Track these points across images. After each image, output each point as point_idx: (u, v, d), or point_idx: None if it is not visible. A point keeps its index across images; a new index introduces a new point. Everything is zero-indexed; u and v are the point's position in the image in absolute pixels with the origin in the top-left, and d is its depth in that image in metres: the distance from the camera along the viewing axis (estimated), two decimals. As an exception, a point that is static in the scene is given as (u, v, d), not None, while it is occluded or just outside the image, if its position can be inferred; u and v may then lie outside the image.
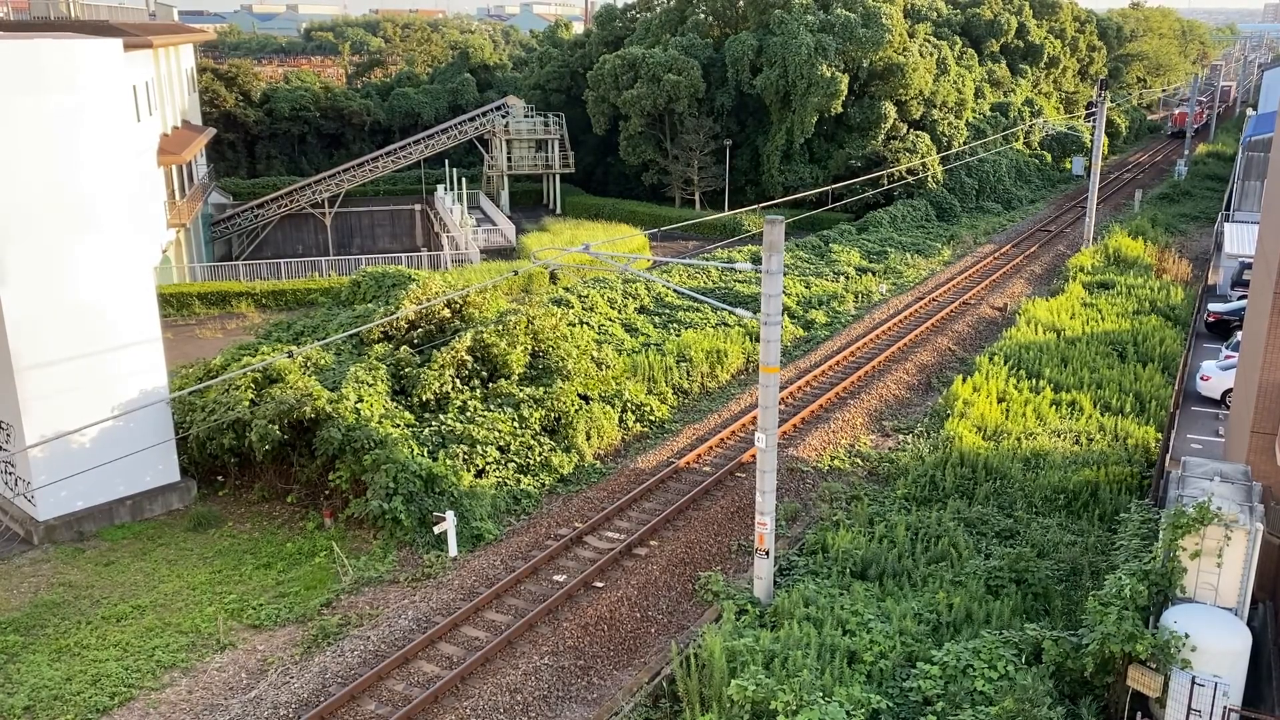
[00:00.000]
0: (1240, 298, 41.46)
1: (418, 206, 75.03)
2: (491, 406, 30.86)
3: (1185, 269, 53.19)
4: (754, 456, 30.93)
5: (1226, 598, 17.76)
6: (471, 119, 73.64)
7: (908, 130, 71.89)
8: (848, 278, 51.99)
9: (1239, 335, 32.96)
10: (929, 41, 77.73)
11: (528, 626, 22.66)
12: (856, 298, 49.48)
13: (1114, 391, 34.83)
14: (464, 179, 71.71)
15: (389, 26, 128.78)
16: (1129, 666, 17.34)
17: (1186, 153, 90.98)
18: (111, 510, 27.95)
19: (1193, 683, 16.60)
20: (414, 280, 35.60)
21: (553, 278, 50.82)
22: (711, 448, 32.45)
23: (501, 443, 29.64)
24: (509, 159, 73.53)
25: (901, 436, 33.98)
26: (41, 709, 20.14)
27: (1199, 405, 32.81)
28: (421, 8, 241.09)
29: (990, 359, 37.94)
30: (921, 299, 49.30)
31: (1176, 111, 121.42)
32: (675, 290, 39.12)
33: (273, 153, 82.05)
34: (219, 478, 30.09)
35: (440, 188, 71.78)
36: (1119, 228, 60.50)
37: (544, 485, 29.74)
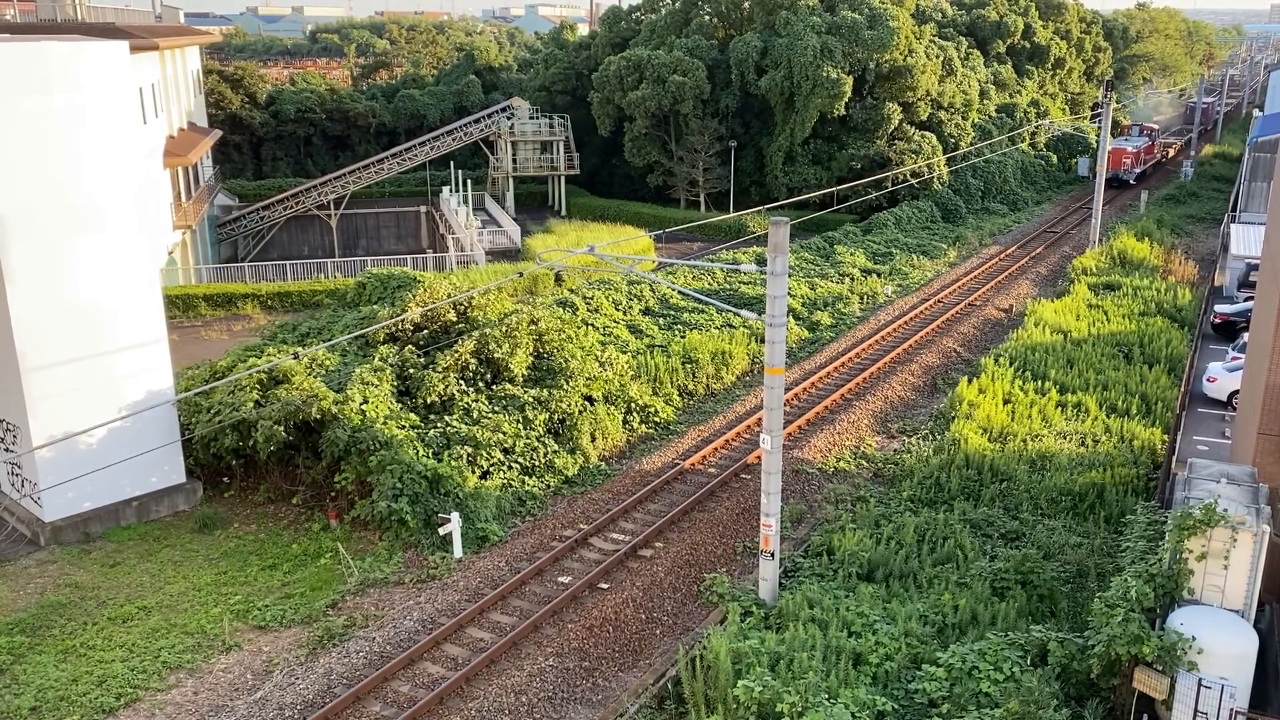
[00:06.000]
0: (1247, 299, 41.38)
1: (423, 208, 75.15)
2: (496, 408, 30.88)
3: (1191, 270, 53.09)
4: (759, 458, 30.90)
5: (1233, 600, 17.72)
6: (477, 120, 73.72)
7: (913, 131, 71.84)
8: (853, 279, 51.94)
9: (1245, 337, 32.90)
10: (934, 42, 77.67)
11: (533, 628, 22.67)
12: (861, 299, 49.44)
13: (1120, 393, 34.75)
14: (469, 181, 71.79)
15: (394, 28, 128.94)
16: (1135, 669, 17.32)
17: (1192, 156, 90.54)
18: (117, 511, 28.01)
19: (1199, 685, 16.57)
20: (419, 282, 35.61)
21: (558, 279, 50.84)
22: (716, 449, 32.43)
23: (506, 444, 29.65)
24: (514, 160, 73.60)
25: (907, 438, 33.94)
26: (48, 709, 20.18)
27: (1205, 407, 32.75)
28: (426, 9, 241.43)
29: (995, 360, 37.88)
30: (927, 300, 49.24)
31: (1112, 147, 78.78)
32: (680, 291, 39.10)
33: (278, 154, 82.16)
34: (224, 479, 30.13)
35: (445, 189, 71.86)
36: (1125, 229, 60.37)
37: (549, 487, 29.75)
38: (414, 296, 34.20)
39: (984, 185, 74.71)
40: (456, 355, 31.40)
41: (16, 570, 25.72)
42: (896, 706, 18.70)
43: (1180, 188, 78.70)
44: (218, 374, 31.37)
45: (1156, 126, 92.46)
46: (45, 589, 24.82)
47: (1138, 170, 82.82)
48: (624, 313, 44.34)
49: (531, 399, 31.19)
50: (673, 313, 44.90)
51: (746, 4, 76.68)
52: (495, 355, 31.82)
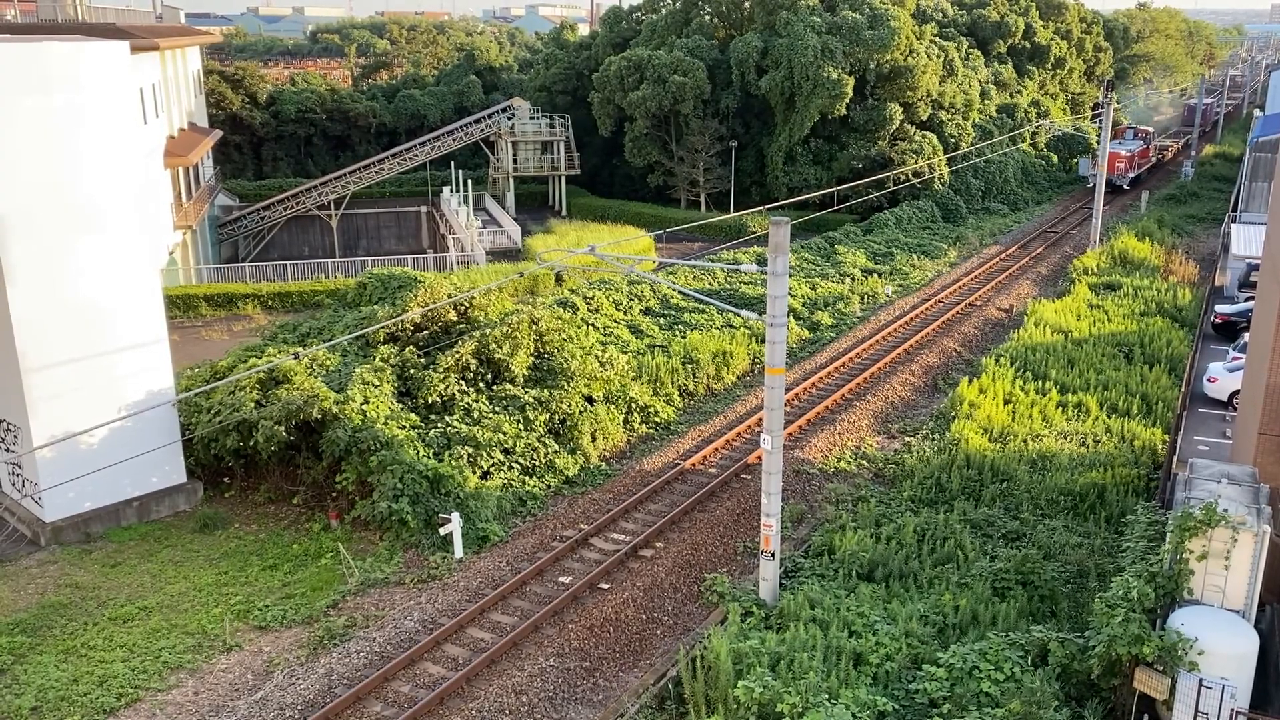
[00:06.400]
0: (1247, 299, 41.37)
1: (424, 208, 75.16)
2: (496, 408, 30.88)
3: (1192, 270, 53.08)
4: (759, 458, 30.90)
5: (1234, 600, 17.72)
6: (477, 121, 73.73)
7: (914, 131, 71.83)
8: (853, 279, 51.94)
9: (1246, 337, 32.89)
10: (935, 43, 77.67)
11: (533, 628, 22.67)
12: (862, 299, 49.43)
13: (1120, 393, 34.76)
14: (469, 181, 71.78)
15: (395, 28, 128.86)
16: (1135, 669, 17.32)
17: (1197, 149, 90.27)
18: (118, 512, 28.02)
19: (1200, 685, 16.57)
20: (420, 282, 35.61)
21: (558, 279, 50.84)
22: (717, 449, 32.43)
23: (506, 444, 29.66)
24: (514, 161, 73.61)
25: (907, 438, 33.94)
26: (48, 710, 20.19)
27: (1206, 407, 32.73)
28: (427, 9, 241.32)
29: (996, 360, 37.89)
30: (927, 300, 49.23)
31: None
32: (680, 292, 39.10)
33: (279, 154, 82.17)
34: (225, 479, 30.14)
35: (446, 189, 71.87)
36: (1125, 229, 60.39)
37: (549, 487, 29.75)
38: (414, 297, 34.20)
39: (984, 185, 74.69)
40: (457, 355, 31.40)
41: (17, 570, 25.73)
42: (897, 707, 18.70)
43: (1181, 188, 78.71)
44: (218, 374, 31.38)
45: (1151, 130, 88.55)
46: (46, 589, 24.83)
47: (1131, 175, 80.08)
48: (624, 313, 44.34)
49: (532, 399, 31.20)
50: (673, 313, 44.90)
51: (747, 4, 76.68)
52: (496, 355, 31.83)
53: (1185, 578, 17.99)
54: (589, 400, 32.93)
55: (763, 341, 39.65)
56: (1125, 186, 78.78)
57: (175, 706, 20.42)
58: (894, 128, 70.49)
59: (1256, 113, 80.00)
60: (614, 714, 20.35)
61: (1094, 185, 72.87)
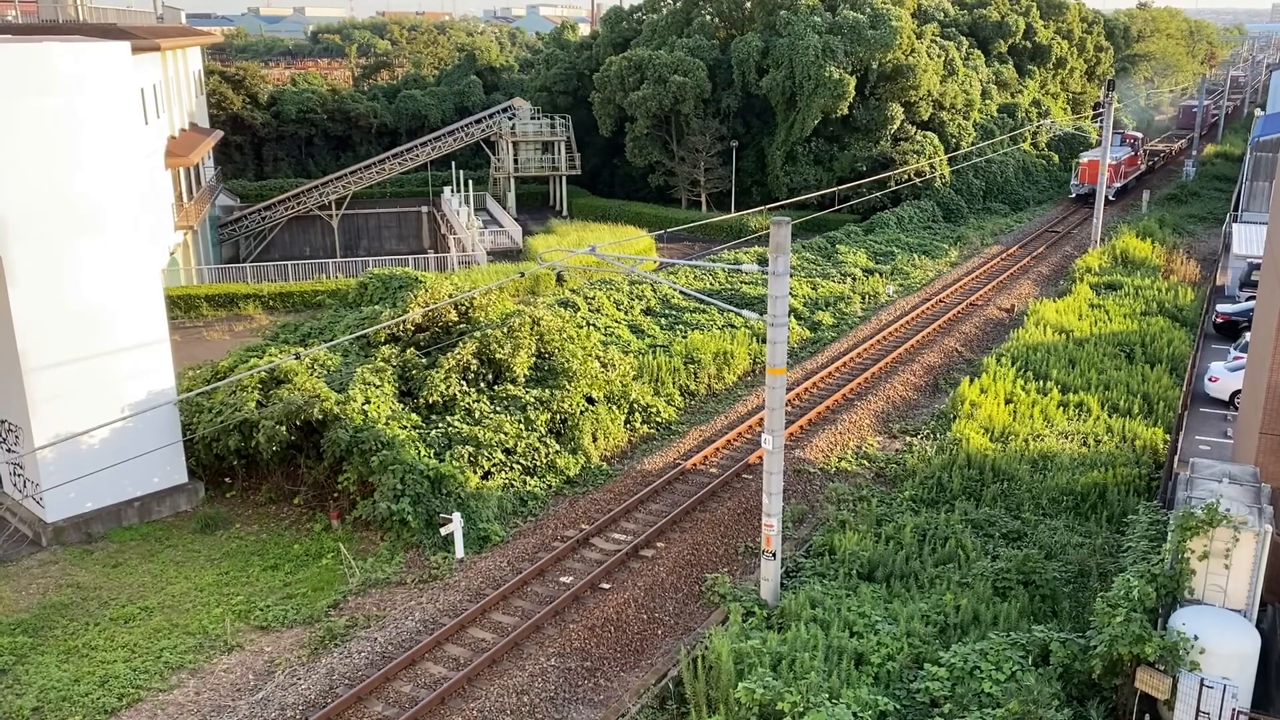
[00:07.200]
0: (1249, 299, 41.34)
1: (424, 208, 75.19)
2: (498, 408, 30.89)
3: (1193, 270, 53.05)
4: (760, 458, 30.88)
5: (1235, 600, 17.70)
6: (478, 121, 73.75)
7: (915, 131, 71.81)
8: (854, 279, 51.92)
9: (1247, 336, 32.87)
10: (936, 42, 77.65)
11: (534, 628, 22.68)
12: (863, 299, 49.42)
13: (1122, 393, 34.75)
14: (470, 181, 71.81)
15: (395, 29, 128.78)
16: (1137, 668, 17.32)
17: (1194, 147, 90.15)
18: (119, 512, 28.03)
19: (1201, 685, 16.56)
20: (421, 282, 35.61)
21: (559, 279, 50.85)
22: (718, 449, 32.43)
23: (508, 444, 29.66)
24: (515, 161, 73.64)
25: (908, 438, 33.93)
26: (50, 710, 20.20)
27: (1207, 406, 32.71)
28: (428, 10, 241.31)
29: (998, 360, 37.87)
30: (929, 300, 49.22)
31: (1085, 159, 74.50)
32: (681, 292, 39.12)
33: (280, 155, 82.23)
34: (226, 479, 30.15)
35: (447, 190, 71.90)
36: (1127, 229, 60.36)
37: (550, 487, 29.76)
38: (415, 297, 34.20)
39: (985, 185, 74.65)
40: (458, 356, 31.40)
41: (19, 570, 25.75)
42: (898, 707, 18.70)
43: (1182, 187, 78.68)
44: (219, 374, 31.39)
45: (1140, 135, 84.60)
46: (47, 589, 24.84)
47: (1118, 185, 75.80)
48: (625, 313, 44.33)
49: (533, 399, 31.20)
50: (674, 313, 44.89)
51: (748, 4, 76.72)
52: (497, 356, 31.84)
53: (1187, 577, 17.98)
54: (590, 400, 32.93)
55: (764, 341, 39.68)
56: (1111, 198, 72.63)
57: (177, 707, 20.43)
58: (895, 127, 70.46)
59: (1257, 112, 79.92)
60: (615, 714, 20.36)
61: (1076, 197, 73.71)
